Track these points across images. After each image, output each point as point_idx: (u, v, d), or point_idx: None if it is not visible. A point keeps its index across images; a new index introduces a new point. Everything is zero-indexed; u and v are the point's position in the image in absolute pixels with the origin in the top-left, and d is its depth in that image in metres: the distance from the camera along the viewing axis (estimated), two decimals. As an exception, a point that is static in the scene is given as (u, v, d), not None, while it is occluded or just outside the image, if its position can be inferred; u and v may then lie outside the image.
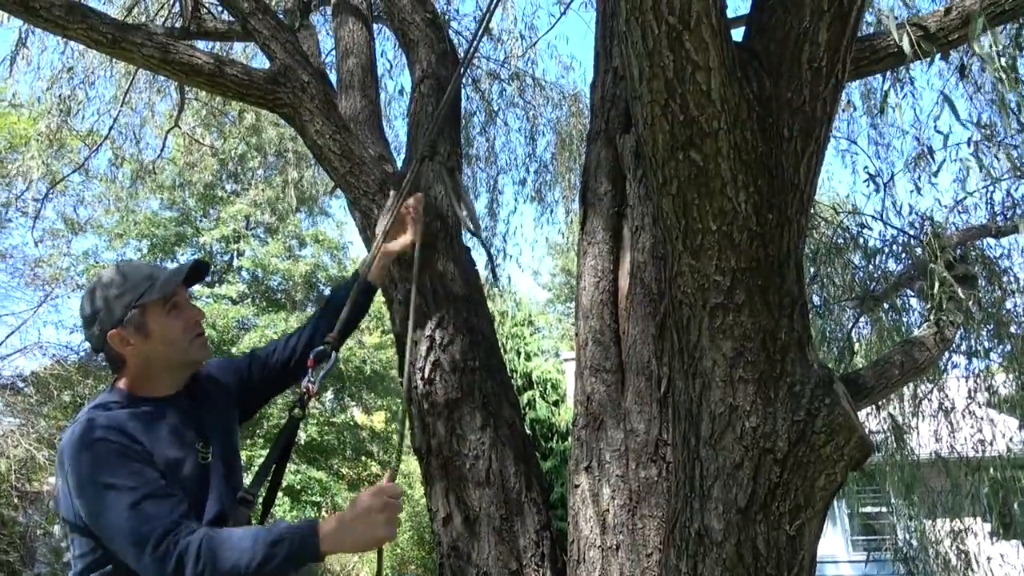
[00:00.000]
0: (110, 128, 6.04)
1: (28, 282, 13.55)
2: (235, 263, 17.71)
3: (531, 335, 15.69)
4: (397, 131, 6.39)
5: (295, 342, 1.98)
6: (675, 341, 1.64)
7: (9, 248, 13.51)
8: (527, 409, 13.84)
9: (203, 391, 1.77)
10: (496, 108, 6.60)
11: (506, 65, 6.43)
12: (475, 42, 2.18)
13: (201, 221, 17.30)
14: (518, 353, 14.61)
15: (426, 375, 2.12)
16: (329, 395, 17.04)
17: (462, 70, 2.26)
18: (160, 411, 1.62)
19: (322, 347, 1.90)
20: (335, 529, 1.45)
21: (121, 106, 5.90)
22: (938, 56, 2.47)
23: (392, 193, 2.23)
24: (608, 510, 2.06)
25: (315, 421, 16.05)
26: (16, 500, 11.82)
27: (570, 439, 2.32)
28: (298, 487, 15.58)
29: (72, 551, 1.59)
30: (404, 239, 2.16)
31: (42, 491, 12.68)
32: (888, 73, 3.76)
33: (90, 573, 1.55)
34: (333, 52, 3.66)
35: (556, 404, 14.22)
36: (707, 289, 1.56)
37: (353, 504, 1.49)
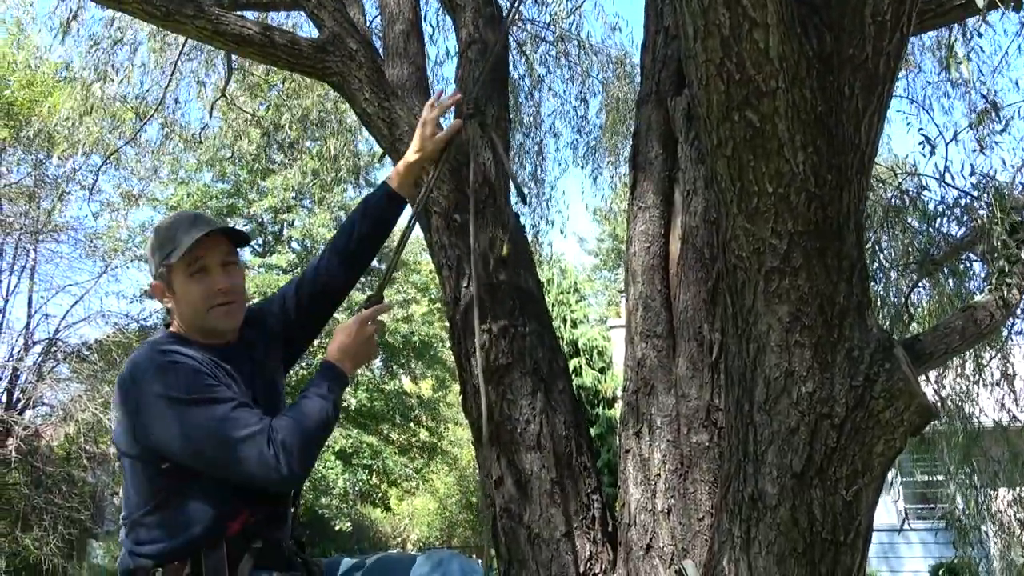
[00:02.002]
0: (161, 99, 6.14)
1: (88, 254, 14.02)
2: (285, 233, 17.96)
3: (577, 302, 15.56)
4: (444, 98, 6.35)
5: (327, 260, 1.93)
6: (728, 306, 1.62)
7: (71, 220, 13.98)
8: (573, 375, 13.77)
9: (246, 342, 1.78)
10: (541, 72, 6.50)
11: (551, 28, 6.32)
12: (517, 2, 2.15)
13: (251, 193, 17.58)
14: (564, 321, 14.53)
15: (477, 340, 2.13)
16: (378, 363, 17.27)
17: (509, 19, 2.24)
18: (210, 358, 1.65)
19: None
20: (348, 361, 1.73)
21: (171, 77, 5.99)
22: (1011, 7, 2.34)
23: (428, 104, 2.07)
24: (659, 475, 2.07)
25: (364, 388, 16.31)
26: (85, 462, 12.39)
27: (620, 404, 2.34)
28: (350, 451, 15.98)
29: (129, 489, 1.59)
30: (433, 141, 1.99)
31: (109, 453, 13.27)
32: (955, 26, 3.59)
33: (154, 507, 1.56)
34: (378, 18, 3.65)
35: (602, 371, 14.16)
36: (763, 252, 1.54)
37: (352, 334, 1.75)
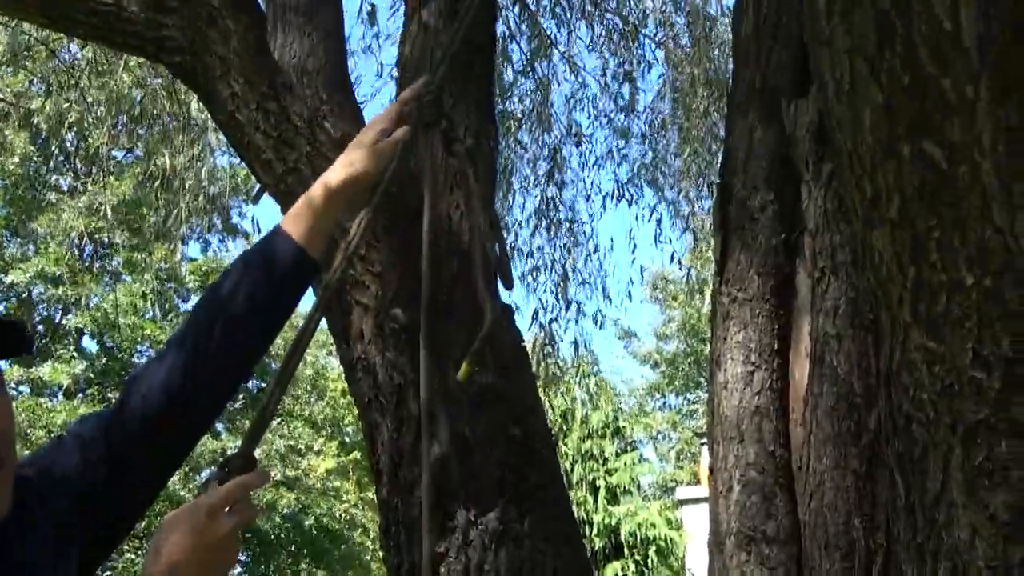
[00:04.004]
0: None
1: None
2: (67, 322, 10.58)
3: (617, 455, 10.17)
4: (366, 92, 3.85)
5: (169, 367, 1.09)
6: (899, 490, 1.01)
7: None
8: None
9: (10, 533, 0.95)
10: (551, 33, 3.92)
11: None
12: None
13: (10, 243, 10.36)
14: (594, 490, 9.36)
15: (425, 550, 1.17)
16: (236, 570, 10.51)
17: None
18: None
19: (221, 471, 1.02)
20: None
21: None
22: None
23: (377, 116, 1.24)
24: None
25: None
26: None
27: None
28: None
29: None
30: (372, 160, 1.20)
31: None
32: None
33: None
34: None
35: (668, 585, 8.69)
36: (959, 395, 0.94)
37: (195, 535, 0.94)
